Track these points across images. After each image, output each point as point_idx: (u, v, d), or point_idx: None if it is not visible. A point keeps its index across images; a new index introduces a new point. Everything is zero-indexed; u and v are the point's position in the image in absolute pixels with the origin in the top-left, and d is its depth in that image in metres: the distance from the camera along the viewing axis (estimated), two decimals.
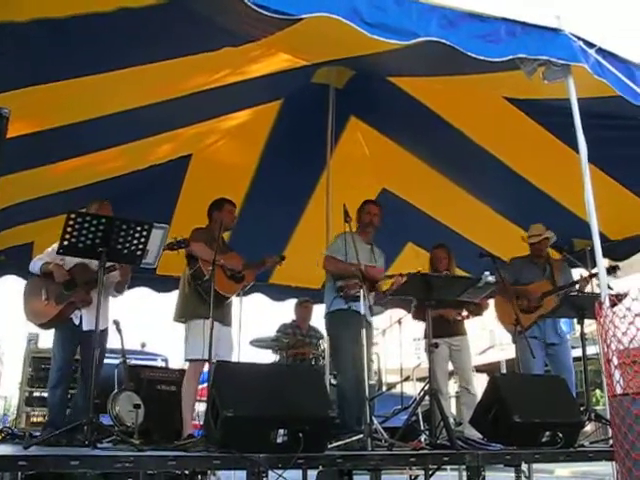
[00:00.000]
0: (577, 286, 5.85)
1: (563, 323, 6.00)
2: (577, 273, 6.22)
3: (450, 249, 6.20)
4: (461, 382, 6.00)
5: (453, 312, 5.92)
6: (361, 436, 4.10)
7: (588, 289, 5.75)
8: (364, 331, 4.44)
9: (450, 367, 6.10)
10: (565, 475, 10.85)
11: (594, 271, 5.79)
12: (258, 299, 8.38)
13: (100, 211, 4.91)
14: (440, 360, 5.75)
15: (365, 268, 5.01)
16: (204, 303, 4.84)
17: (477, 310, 6.11)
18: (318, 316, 7.51)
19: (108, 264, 4.57)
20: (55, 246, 4.93)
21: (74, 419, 4.38)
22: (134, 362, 7.37)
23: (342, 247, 5.12)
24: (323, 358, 6.33)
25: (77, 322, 5.02)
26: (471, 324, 6.34)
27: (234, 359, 5.45)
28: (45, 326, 5.13)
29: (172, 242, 4.85)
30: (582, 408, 5.05)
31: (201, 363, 4.96)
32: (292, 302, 8.02)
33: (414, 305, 6.24)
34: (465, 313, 6.10)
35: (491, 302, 6.20)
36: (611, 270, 5.60)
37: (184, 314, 5.15)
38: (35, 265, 5.11)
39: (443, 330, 5.75)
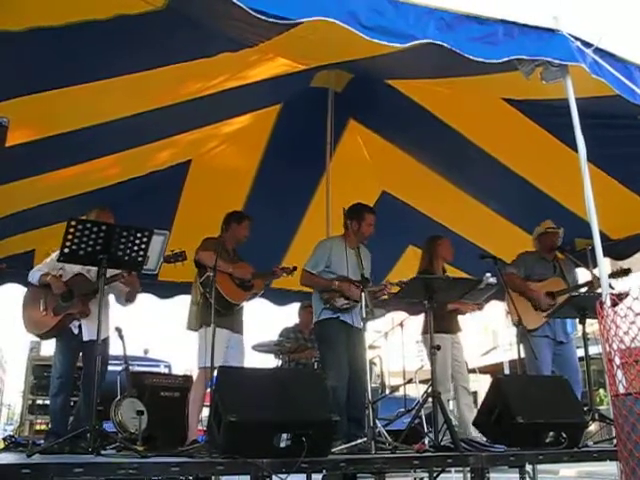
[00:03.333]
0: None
1: (568, 323, 5.96)
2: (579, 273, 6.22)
3: None
4: (460, 381, 5.89)
5: (470, 306, 5.87)
6: (364, 439, 4.10)
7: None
8: (362, 336, 4.46)
9: None
10: (571, 475, 10.82)
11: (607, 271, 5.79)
12: (260, 303, 8.37)
13: (100, 218, 4.90)
14: (446, 356, 5.68)
15: (340, 284, 5.02)
16: (215, 311, 4.85)
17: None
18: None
19: (112, 272, 4.59)
20: (54, 256, 4.95)
21: (77, 427, 4.37)
22: (137, 368, 7.37)
23: (325, 256, 5.15)
24: None
25: (76, 332, 4.99)
26: (474, 325, 6.32)
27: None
28: (44, 336, 5.14)
29: (169, 255, 4.89)
30: (586, 408, 5.04)
31: (211, 370, 4.98)
32: (294, 306, 8.01)
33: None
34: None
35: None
36: (622, 273, 5.57)
37: (196, 322, 5.18)
38: (34, 276, 5.09)
39: (448, 326, 5.76)
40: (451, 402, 6.81)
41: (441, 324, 5.84)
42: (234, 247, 5.51)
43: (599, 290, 5.59)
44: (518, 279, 5.85)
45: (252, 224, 5.54)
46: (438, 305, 5.78)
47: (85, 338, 4.98)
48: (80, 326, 5.00)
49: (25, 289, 5.38)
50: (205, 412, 5.87)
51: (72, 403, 5.28)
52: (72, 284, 4.99)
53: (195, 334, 5.28)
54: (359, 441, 4.15)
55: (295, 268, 5.80)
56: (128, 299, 5.24)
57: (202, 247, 5.17)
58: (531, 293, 5.83)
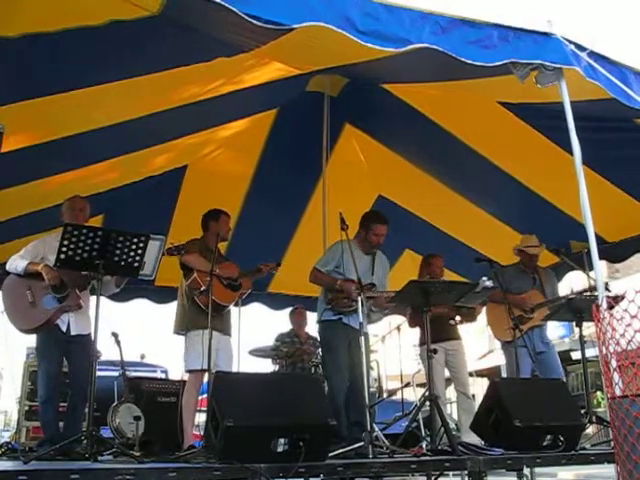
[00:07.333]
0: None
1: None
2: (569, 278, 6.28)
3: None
4: (458, 387, 5.97)
5: (445, 309, 5.84)
6: (362, 444, 4.09)
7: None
8: (361, 339, 4.45)
9: (446, 373, 6.10)
10: (569, 478, 10.80)
11: (580, 289, 5.89)
12: (256, 308, 8.38)
13: (73, 205, 4.89)
14: (437, 365, 5.69)
15: (342, 283, 5.01)
16: (202, 314, 4.83)
17: (470, 316, 6.12)
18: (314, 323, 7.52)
19: None
20: (36, 242, 4.85)
21: (70, 434, 4.26)
22: (134, 374, 7.36)
23: (336, 257, 5.11)
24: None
25: (64, 328, 4.67)
26: (470, 329, 6.34)
27: (234, 369, 5.44)
28: (29, 332, 4.75)
29: (170, 247, 4.86)
30: (583, 410, 5.04)
31: (201, 374, 4.95)
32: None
33: (409, 313, 6.26)
34: (459, 318, 6.10)
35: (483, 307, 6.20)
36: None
37: (183, 326, 5.14)
38: (18, 265, 4.68)
39: (438, 335, 5.74)
40: (449, 406, 6.85)
41: (431, 333, 5.87)
42: (217, 246, 5.45)
43: (596, 293, 5.67)
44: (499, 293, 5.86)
45: (229, 219, 5.50)
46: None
47: (73, 332, 4.69)
48: (69, 321, 4.71)
49: None
50: (201, 417, 5.87)
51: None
52: (63, 275, 4.62)
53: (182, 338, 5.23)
54: (356, 445, 4.14)
55: (279, 264, 5.81)
56: (117, 284, 4.91)
57: (186, 249, 5.10)
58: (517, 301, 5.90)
